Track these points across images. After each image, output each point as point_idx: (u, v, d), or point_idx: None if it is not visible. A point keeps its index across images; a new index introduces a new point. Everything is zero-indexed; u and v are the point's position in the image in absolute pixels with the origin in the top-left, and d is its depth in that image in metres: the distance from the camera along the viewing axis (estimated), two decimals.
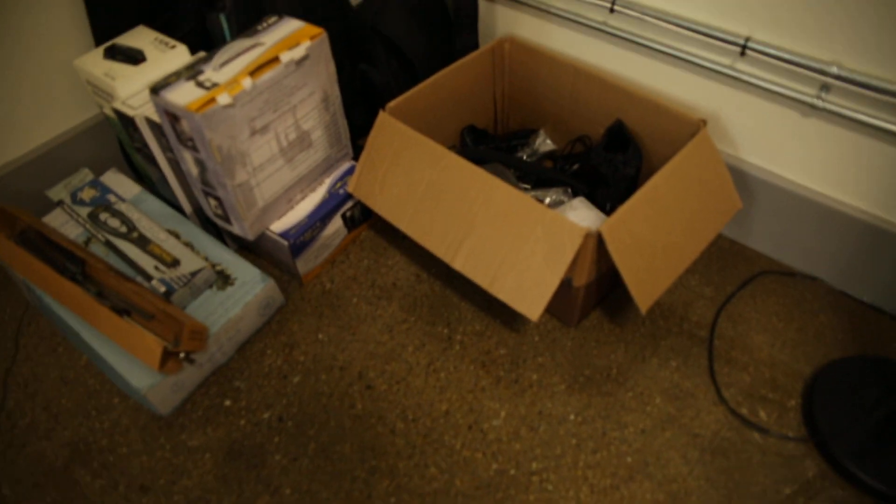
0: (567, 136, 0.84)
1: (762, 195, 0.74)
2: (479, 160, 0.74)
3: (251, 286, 0.71)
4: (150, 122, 0.69)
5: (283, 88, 0.67)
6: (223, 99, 0.61)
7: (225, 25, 0.79)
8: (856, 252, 0.70)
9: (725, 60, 0.69)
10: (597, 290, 0.70)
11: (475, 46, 0.84)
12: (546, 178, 0.78)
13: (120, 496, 0.61)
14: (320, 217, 0.75)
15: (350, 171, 0.79)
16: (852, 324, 0.70)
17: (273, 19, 0.71)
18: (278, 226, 0.73)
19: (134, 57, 0.74)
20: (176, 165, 0.72)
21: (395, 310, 0.74)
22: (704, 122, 0.67)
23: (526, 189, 0.77)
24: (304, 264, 0.76)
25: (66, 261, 0.69)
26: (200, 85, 0.63)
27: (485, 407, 0.65)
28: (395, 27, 0.78)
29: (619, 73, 0.79)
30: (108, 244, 0.74)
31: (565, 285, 0.65)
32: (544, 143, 0.84)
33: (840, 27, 0.59)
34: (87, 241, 0.75)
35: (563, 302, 0.68)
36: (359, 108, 0.84)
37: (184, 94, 0.61)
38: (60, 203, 0.78)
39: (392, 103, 0.73)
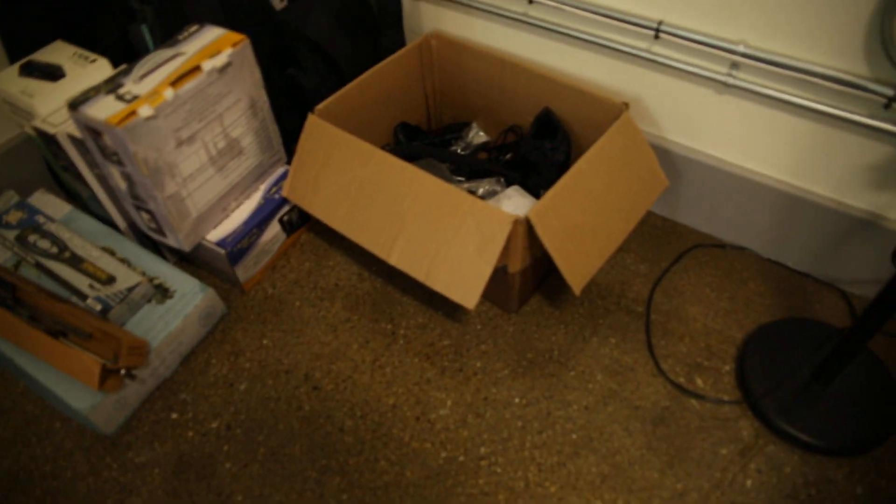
0: (499, 127, 0.86)
1: (688, 172, 0.76)
2: (412, 156, 0.75)
3: (191, 297, 0.70)
4: (72, 138, 0.68)
5: (208, 97, 0.66)
6: (144, 111, 0.61)
7: (148, 37, 0.78)
8: (777, 220, 0.73)
9: (642, 44, 0.71)
10: (534, 276, 0.72)
11: (402, 44, 0.84)
12: (479, 169, 0.79)
13: None
14: (257, 223, 0.74)
15: (285, 176, 0.79)
16: (779, 289, 0.73)
17: (194, 28, 0.70)
18: (215, 235, 0.73)
19: (52, 73, 0.72)
20: (104, 181, 0.71)
21: (338, 310, 0.74)
22: (627, 105, 0.69)
23: (460, 181, 0.78)
24: (244, 271, 0.75)
25: None
26: (121, 98, 0.62)
27: (431, 398, 0.66)
28: (319, 30, 0.78)
29: (544, 63, 0.81)
30: (39, 266, 0.72)
31: (501, 273, 0.66)
32: (477, 136, 0.85)
33: (745, 6, 0.62)
34: (17, 265, 0.73)
35: (501, 289, 0.70)
36: (290, 113, 0.84)
37: (104, 109, 0.61)
38: None
39: (320, 105, 0.73)
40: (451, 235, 0.62)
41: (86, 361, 0.61)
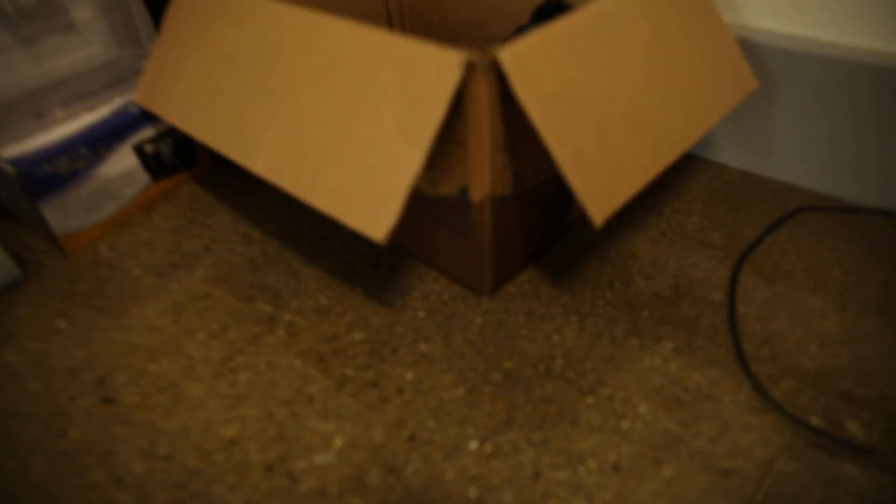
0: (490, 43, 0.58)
1: (785, 80, 0.46)
2: None
3: None
4: None
5: None
6: None
7: None
8: None
9: None
10: (526, 226, 0.40)
11: None
12: None
13: None
14: (89, 142, 0.47)
15: None
16: None
17: None
18: (14, 149, 0.45)
19: None
20: None
21: (195, 282, 0.44)
22: None
23: None
24: (61, 217, 0.47)
25: None
26: None
27: (306, 430, 0.34)
28: None
29: None
30: None
31: (459, 202, 0.36)
32: None
33: None
34: None
35: (461, 245, 0.39)
36: None
37: None
38: None
39: None
40: (357, 109, 0.33)
41: None
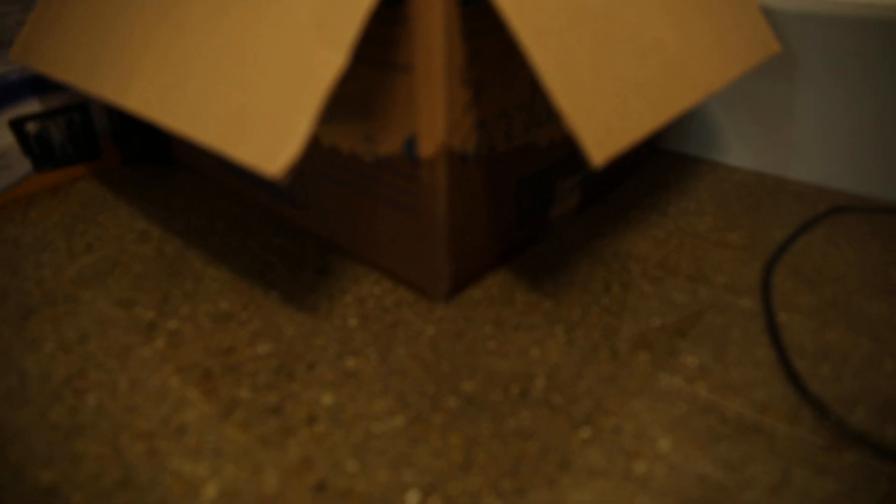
0: None
1: (811, 52, 0.38)
2: None
3: None
4: None
5: None
6: None
7: None
8: None
9: None
10: (495, 209, 0.31)
11: None
12: None
13: None
14: None
15: None
16: None
17: None
18: None
19: None
20: None
21: (61, 283, 0.34)
22: None
23: None
24: None
25: None
26: None
27: (166, 474, 0.23)
28: None
29: None
30: None
31: (405, 162, 0.27)
32: None
33: None
34: None
35: (411, 227, 0.29)
36: None
37: None
38: None
39: None
40: (261, 8, 0.24)
41: None
